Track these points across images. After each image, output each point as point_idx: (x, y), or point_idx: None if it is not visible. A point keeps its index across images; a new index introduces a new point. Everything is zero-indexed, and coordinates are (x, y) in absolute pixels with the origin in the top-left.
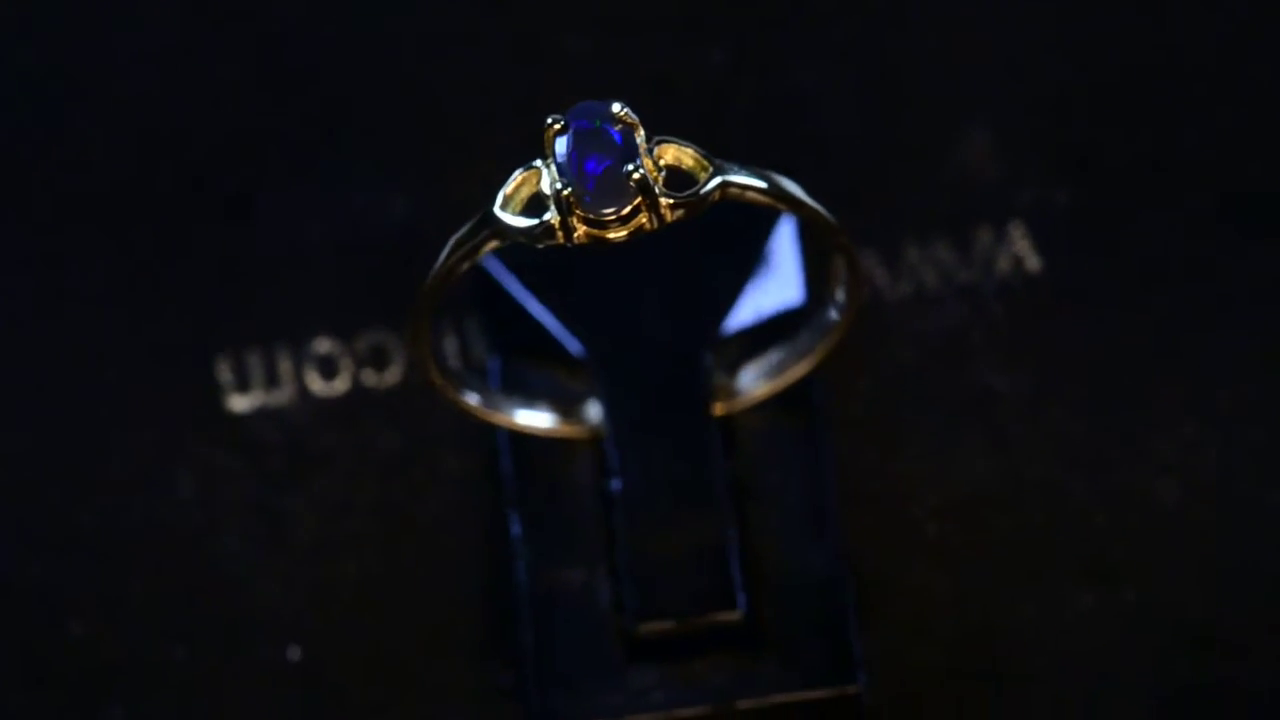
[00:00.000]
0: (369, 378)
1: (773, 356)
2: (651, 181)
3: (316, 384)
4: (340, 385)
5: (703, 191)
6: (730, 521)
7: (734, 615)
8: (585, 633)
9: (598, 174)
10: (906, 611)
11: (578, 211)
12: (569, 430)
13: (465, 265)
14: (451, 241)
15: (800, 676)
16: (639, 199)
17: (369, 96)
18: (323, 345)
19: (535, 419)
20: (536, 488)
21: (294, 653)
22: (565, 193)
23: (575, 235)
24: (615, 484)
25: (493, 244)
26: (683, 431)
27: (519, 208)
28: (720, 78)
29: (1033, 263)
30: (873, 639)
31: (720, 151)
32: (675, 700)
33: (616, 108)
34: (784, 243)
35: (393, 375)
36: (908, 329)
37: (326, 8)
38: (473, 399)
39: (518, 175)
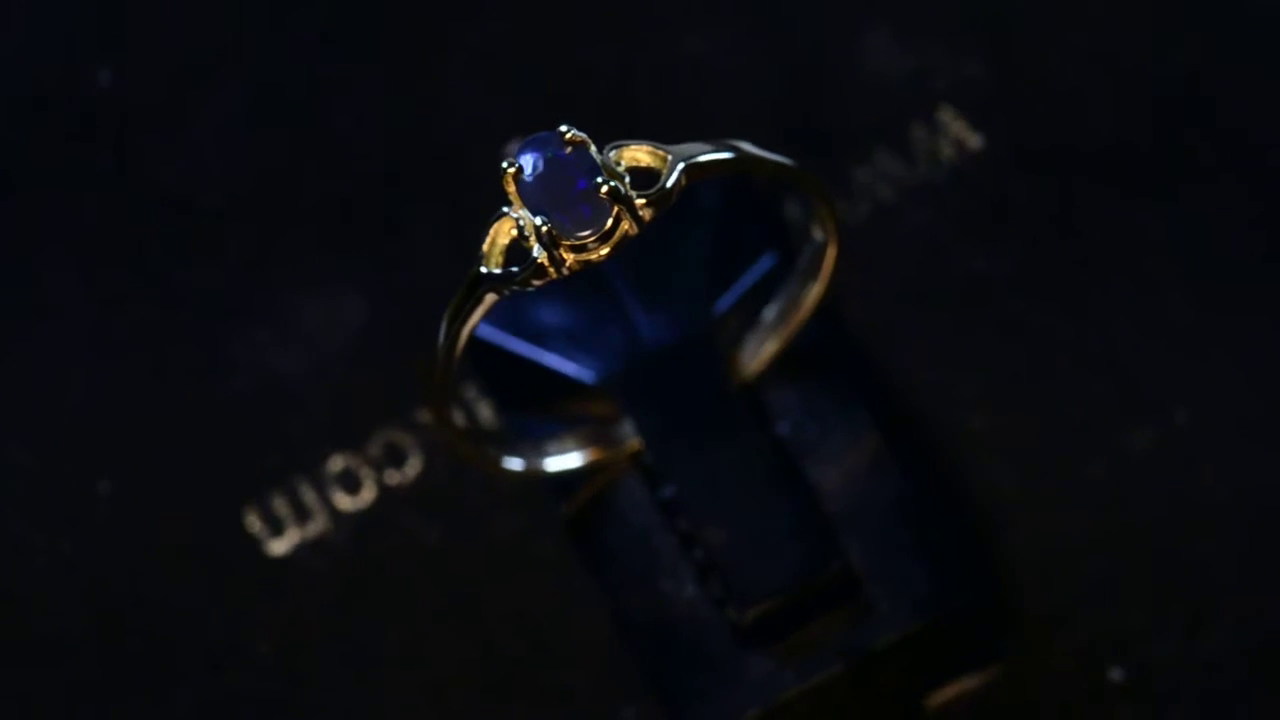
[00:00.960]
0: (392, 477)
1: (770, 314)
2: (623, 190)
3: (345, 502)
4: (368, 495)
5: (669, 184)
6: (796, 482)
7: (833, 570)
8: (697, 641)
9: (570, 200)
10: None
11: (563, 242)
12: (606, 456)
13: (466, 332)
14: (448, 314)
15: (912, 608)
16: (616, 209)
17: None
18: (337, 463)
19: (572, 459)
20: (595, 524)
21: None
22: (545, 229)
23: (566, 266)
24: (668, 490)
25: (489, 300)
26: (715, 416)
27: (500, 259)
28: (595, 58)
29: (974, 141)
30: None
31: (629, 130)
32: (806, 672)
33: (563, 130)
34: (729, 209)
35: (414, 467)
36: (881, 246)
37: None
38: (513, 463)
39: (491, 229)
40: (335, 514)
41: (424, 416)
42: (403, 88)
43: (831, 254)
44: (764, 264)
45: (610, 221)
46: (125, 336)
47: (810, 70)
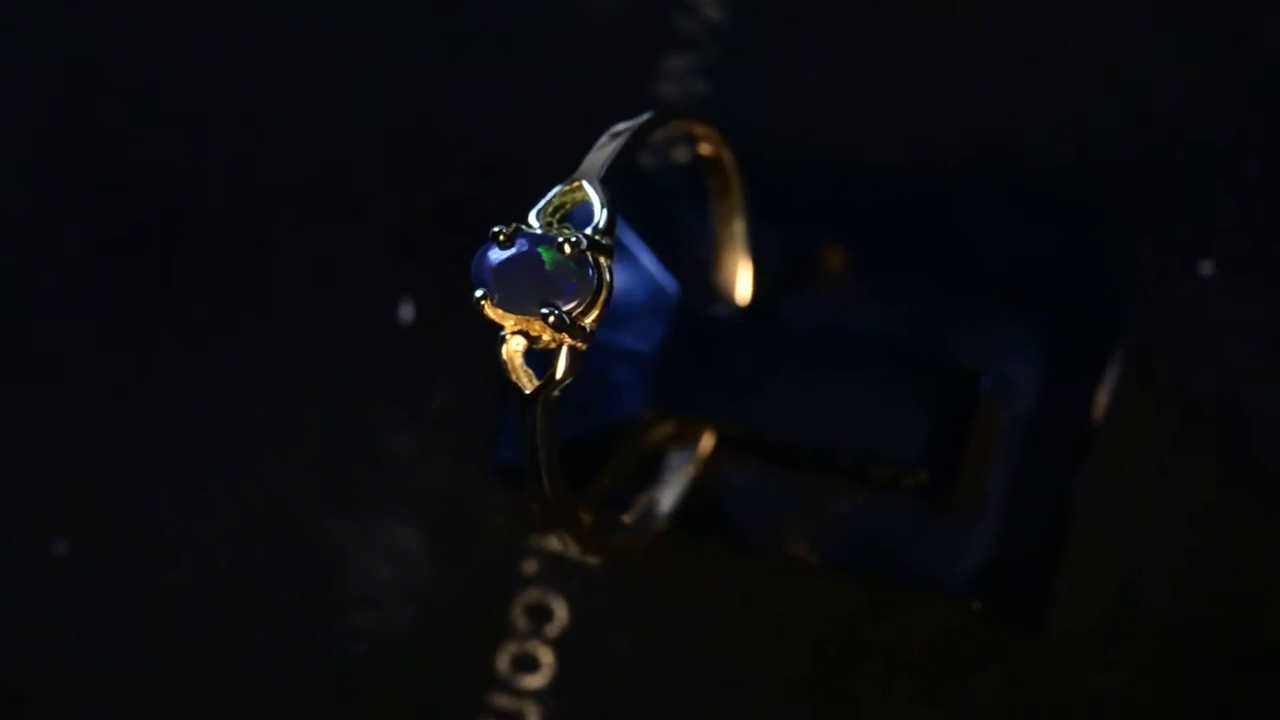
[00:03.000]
0: None
1: (721, 240)
2: (583, 240)
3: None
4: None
5: (606, 206)
6: (858, 356)
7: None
8: (894, 543)
9: (550, 284)
10: None
11: (581, 323)
12: (694, 469)
13: (550, 451)
14: (526, 447)
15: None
16: (592, 261)
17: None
18: None
19: (675, 487)
20: (726, 521)
21: None
22: (552, 319)
23: (589, 333)
24: (772, 439)
25: (553, 400)
26: (753, 351)
27: (529, 375)
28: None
29: (702, 87)
30: None
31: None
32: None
33: (494, 231)
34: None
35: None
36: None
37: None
38: (643, 526)
39: (504, 359)
40: None
41: (565, 546)
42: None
43: (728, 157)
44: (689, 222)
45: (592, 271)
46: None
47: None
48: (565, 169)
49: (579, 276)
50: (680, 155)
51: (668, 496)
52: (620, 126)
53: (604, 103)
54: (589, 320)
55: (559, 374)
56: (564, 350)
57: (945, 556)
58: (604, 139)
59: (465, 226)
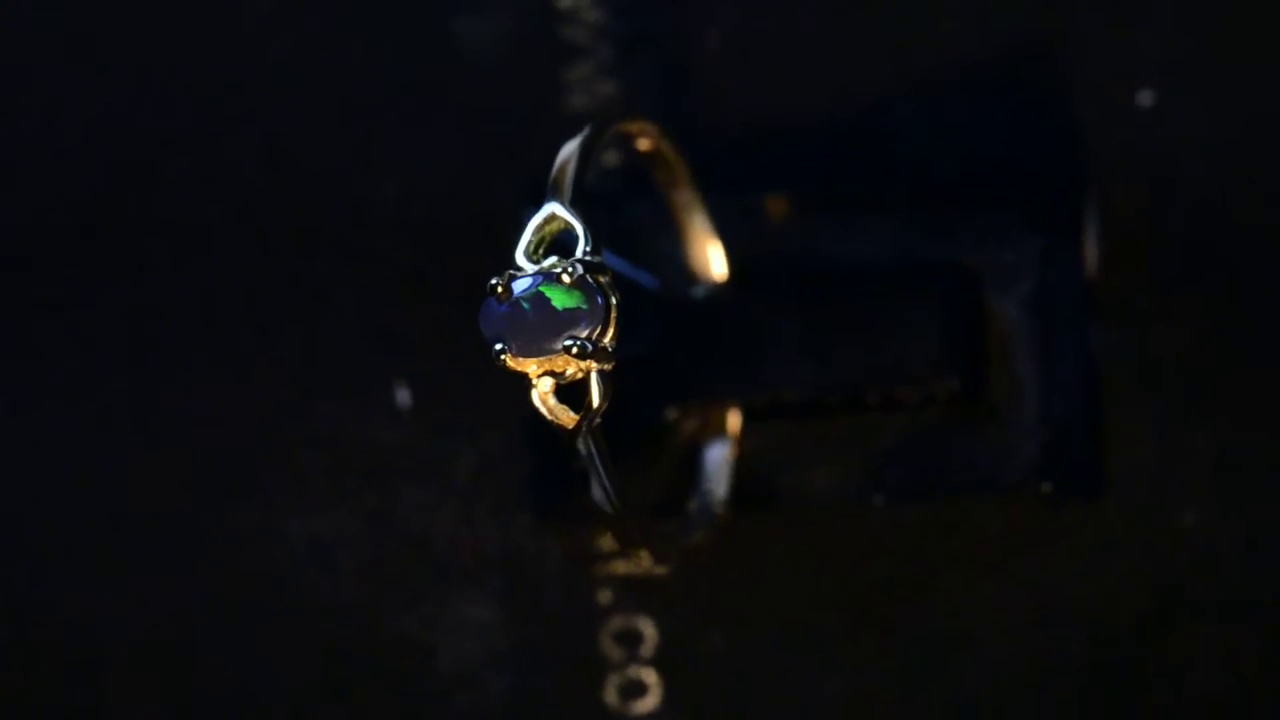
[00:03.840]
0: None
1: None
2: (580, 267)
3: None
4: None
5: (585, 225)
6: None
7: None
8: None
9: (562, 321)
10: None
11: (601, 344)
12: (731, 450)
13: (608, 479)
14: (592, 479)
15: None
16: (594, 283)
17: None
18: None
19: (723, 473)
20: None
21: None
22: (575, 350)
23: (611, 353)
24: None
25: (597, 427)
26: (754, 326)
27: (562, 411)
28: None
29: (609, 88)
30: None
31: None
32: None
33: (492, 283)
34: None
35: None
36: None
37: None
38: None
39: (541, 407)
40: None
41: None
42: None
43: (667, 146)
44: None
45: (598, 293)
46: None
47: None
48: (510, 210)
49: (587, 302)
50: (609, 159)
51: (717, 486)
52: (566, 149)
53: (523, 133)
54: (607, 340)
55: (596, 401)
56: (593, 376)
57: (999, 453)
58: (557, 164)
59: (431, 294)
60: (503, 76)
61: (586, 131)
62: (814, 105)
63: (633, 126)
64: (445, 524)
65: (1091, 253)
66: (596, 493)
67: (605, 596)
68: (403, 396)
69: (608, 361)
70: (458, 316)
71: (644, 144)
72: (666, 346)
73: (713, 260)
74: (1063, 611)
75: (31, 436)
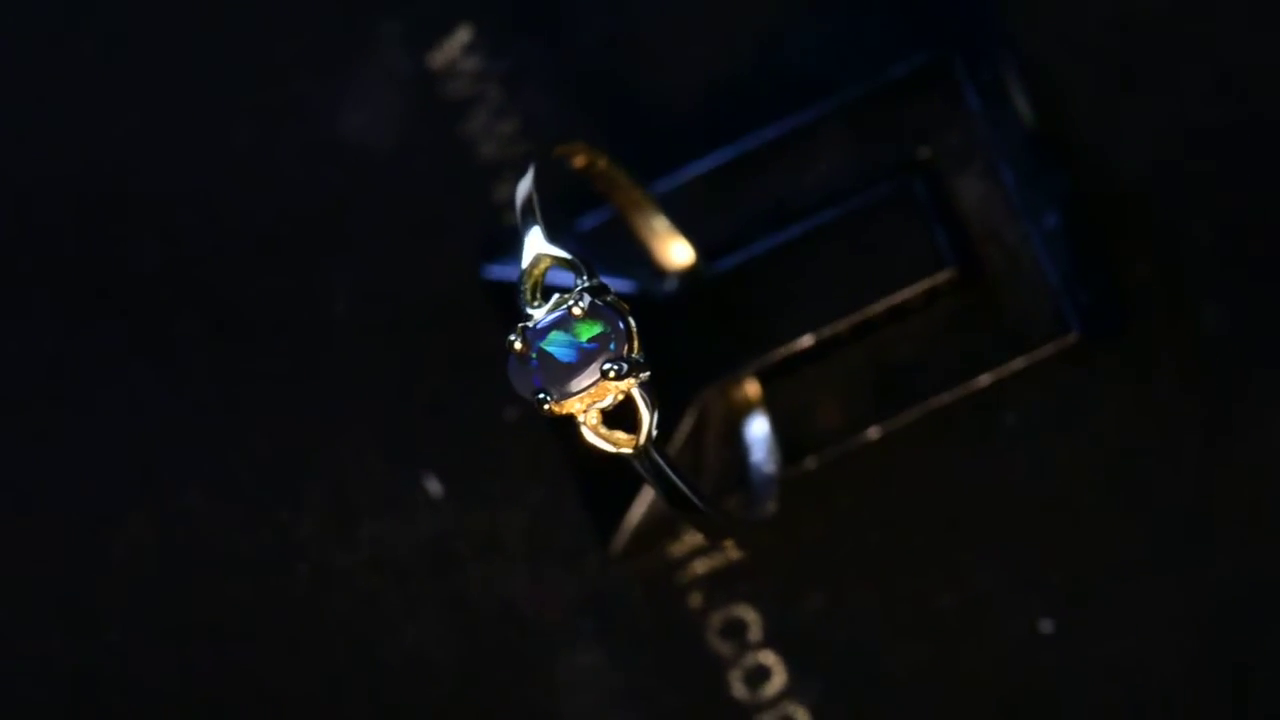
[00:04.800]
0: None
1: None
2: (586, 296)
3: None
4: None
5: (573, 255)
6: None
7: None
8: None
9: (588, 351)
10: None
11: (635, 358)
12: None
13: (675, 481)
14: (659, 491)
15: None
16: (604, 304)
17: None
18: None
19: (764, 446)
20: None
21: None
22: (613, 374)
23: (645, 362)
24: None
25: (654, 438)
26: (739, 292)
27: (615, 434)
28: None
29: (509, 126)
30: None
31: None
32: None
33: (510, 340)
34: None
35: None
36: None
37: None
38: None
39: (594, 442)
40: None
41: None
42: None
43: (602, 160)
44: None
45: (620, 321)
46: None
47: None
48: (469, 277)
49: (607, 325)
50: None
51: (768, 455)
52: (520, 193)
53: (456, 207)
54: (636, 352)
55: (646, 415)
56: (635, 392)
57: (1016, 320)
58: (519, 210)
59: (426, 381)
60: (409, 153)
61: (529, 174)
62: (709, 66)
63: (564, 149)
64: (519, 588)
65: (1024, 106)
66: (676, 499)
67: (696, 600)
68: (434, 487)
69: (644, 371)
70: (455, 395)
71: (578, 161)
72: (666, 344)
73: (676, 250)
74: (1132, 448)
75: None
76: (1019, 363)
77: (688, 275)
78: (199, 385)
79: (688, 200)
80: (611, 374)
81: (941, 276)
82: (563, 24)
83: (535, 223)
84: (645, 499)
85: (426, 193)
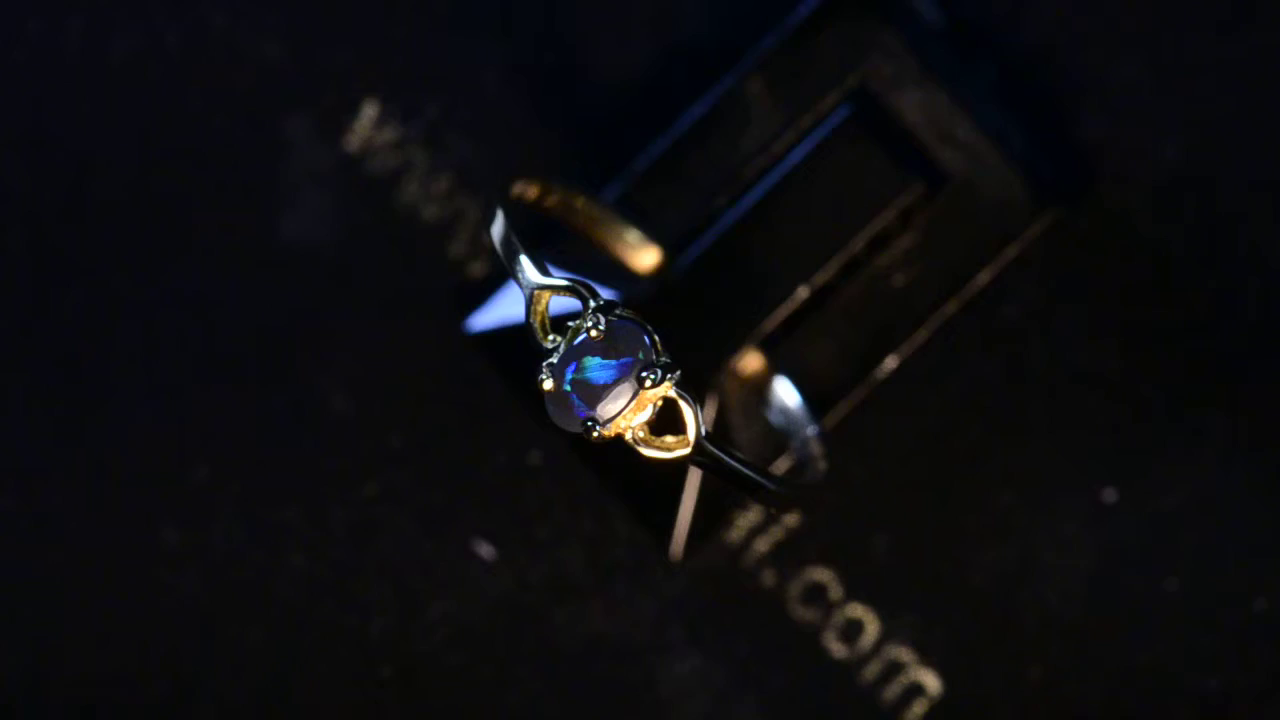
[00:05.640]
0: None
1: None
2: (600, 315)
3: None
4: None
5: (571, 280)
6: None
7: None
8: None
9: (617, 367)
10: None
11: (664, 361)
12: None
13: (744, 462)
14: (723, 473)
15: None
16: (619, 317)
17: None
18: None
19: (796, 414)
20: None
21: None
22: (649, 382)
23: (674, 362)
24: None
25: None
26: (718, 277)
27: (660, 441)
28: None
29: (445, 184)
30: None
31: None
32: None
33: (540, 380)
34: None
35: None
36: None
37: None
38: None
39: (646, 454)
40: None
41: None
42: None
43: (555, 189)
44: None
45: (645, 334)
46: None
47: None
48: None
49: (629, 335)
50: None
51: (800, 416)
52: (496, 240)
53: (418, 276)
54: (663, 356)
55: (690, 415)
56: (674, 393)
57: (997, 209)
58: (501, 255)
59: (446, 456)
60: (356, 239)
61: (500, 216)
62: (617, 64)
63: (518, 188)
64: (599, 620)
65: (928, 8)
66: (745, 483)
67: (769, 577)
68: (485, 550)
69: (678, 368)
70: (476, 455)
71: (530, 194)
72: (666, 342)
73: (647, 256)
74: (1141, 321)
75: None
76: (1011, 251)
77: (661, 272)
78: (208, 518)
79: (639, 199)
80: (648, 382)
81: (911, 192)
82: (460, 69)
83: (521, 261)
84: (690, 497)
85: (385, 271)
